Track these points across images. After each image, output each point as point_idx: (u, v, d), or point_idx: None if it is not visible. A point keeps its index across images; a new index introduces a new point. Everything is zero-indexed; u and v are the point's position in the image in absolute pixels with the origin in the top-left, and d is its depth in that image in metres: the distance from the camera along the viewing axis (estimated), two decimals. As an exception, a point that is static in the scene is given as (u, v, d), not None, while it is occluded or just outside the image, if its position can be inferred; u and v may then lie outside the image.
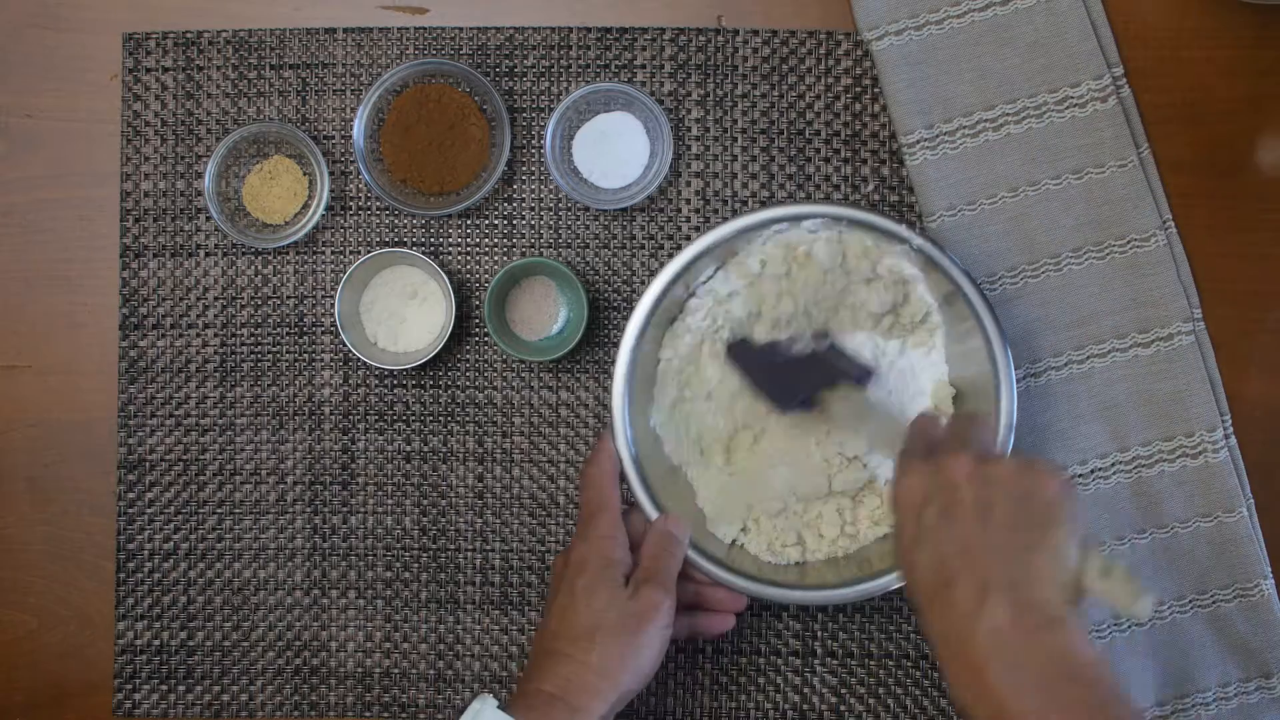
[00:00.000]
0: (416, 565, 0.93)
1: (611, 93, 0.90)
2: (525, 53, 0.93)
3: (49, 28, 0.94)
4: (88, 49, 0.94)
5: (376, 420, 0.93)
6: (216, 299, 0.94)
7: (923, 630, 0.70)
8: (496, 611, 0.93)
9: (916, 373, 0.87)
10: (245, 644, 0.93)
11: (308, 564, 0.93)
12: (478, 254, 0.93)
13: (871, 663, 0.91)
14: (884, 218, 0.83)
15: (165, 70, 0.94)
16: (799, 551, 0.87)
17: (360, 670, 0.93)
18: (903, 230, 0.83)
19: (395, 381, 0.93)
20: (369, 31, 0.93)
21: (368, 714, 0.93)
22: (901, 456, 0.74)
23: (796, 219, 0.84)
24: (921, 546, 0.68)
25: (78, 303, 0.94)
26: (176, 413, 0.93)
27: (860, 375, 0.83)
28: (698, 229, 0.92)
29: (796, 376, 0.84)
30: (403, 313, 0.91)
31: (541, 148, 0.92)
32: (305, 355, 0.93)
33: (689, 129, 0.92)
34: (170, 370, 0.94)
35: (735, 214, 0.89)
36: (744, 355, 0.86)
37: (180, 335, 0.94)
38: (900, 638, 0.91)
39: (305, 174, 0.92)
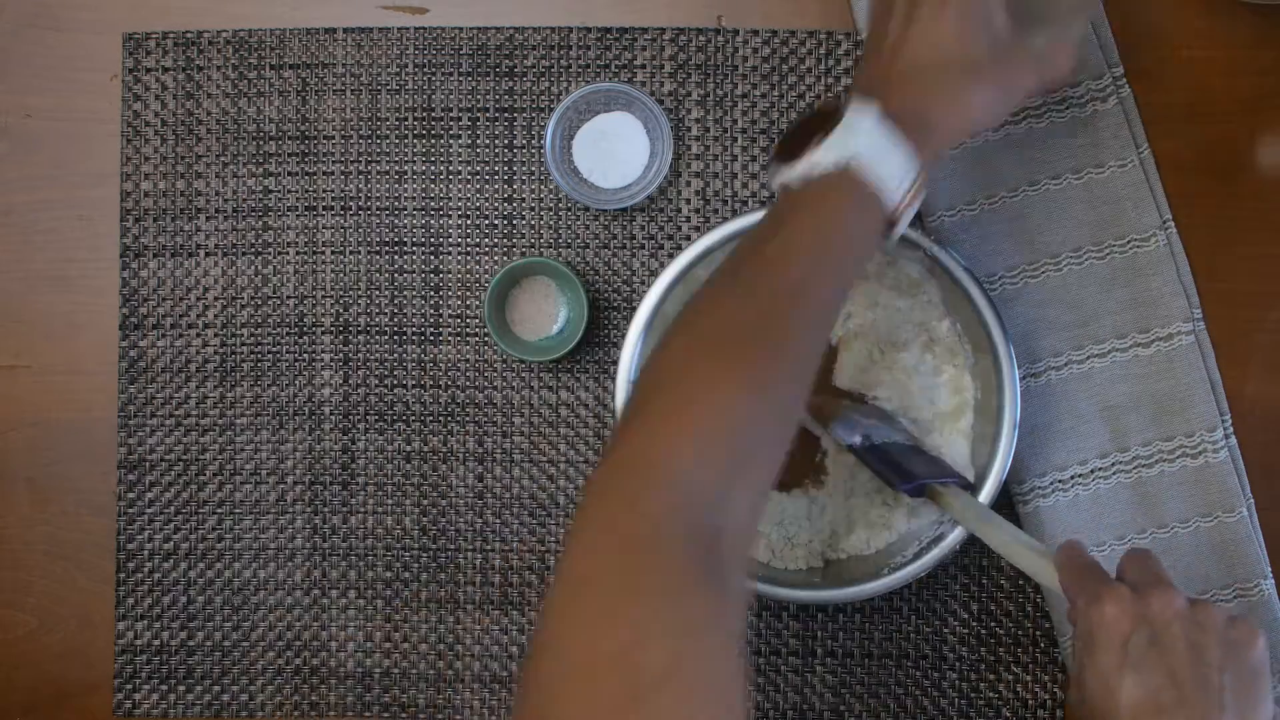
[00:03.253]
0: (416, 565, 0.93)
1: (611, 93, 0.90)
2: (525, 53, 0.93)
3: (49, 28, 0.94)
4: (88, 49, 0.94)
5: (376, 420, 0.93)
6: (216, 299, 0.94)
7: None
8: (496, 611, 0.93)
9: (931, 384, 0.88)
10: (245, 644, 0.93)
11: (308, 564, 0.93)
12: (478, 254, 0.93)
13: (871, 663, 0.91)
14: None
15: (165, 70, 0.94)
16: (806, 559, 0.87)
17: (360, 670, 0.93)
18: (917, 235, 0.83)
19: (395, 381, 0.93)
20: (369, 31, 0.93)
21: (368, 714, 0.93)
22: (1075, 582, 0.73)
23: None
24: (1127, 674, 0.69)
25: (78, 303, 0.94)
26: (176, 413, 0.93)
27: (966, 484, 0.84)
28: (698, 229, 0.92)
29: (906, 461, 0.84)
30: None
31: (541, 148, 0.92)
32: (305, 355, 0.93)
33: (689, 129, 0.92)
34: (170, 370, 0.94)
35: (735, 214, 0.89)
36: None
37: (180, 335, 0.94)
38: (900, 638, 0.91)
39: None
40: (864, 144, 0.70)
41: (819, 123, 0.72)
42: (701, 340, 0.66)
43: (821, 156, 0.70)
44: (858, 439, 0.84)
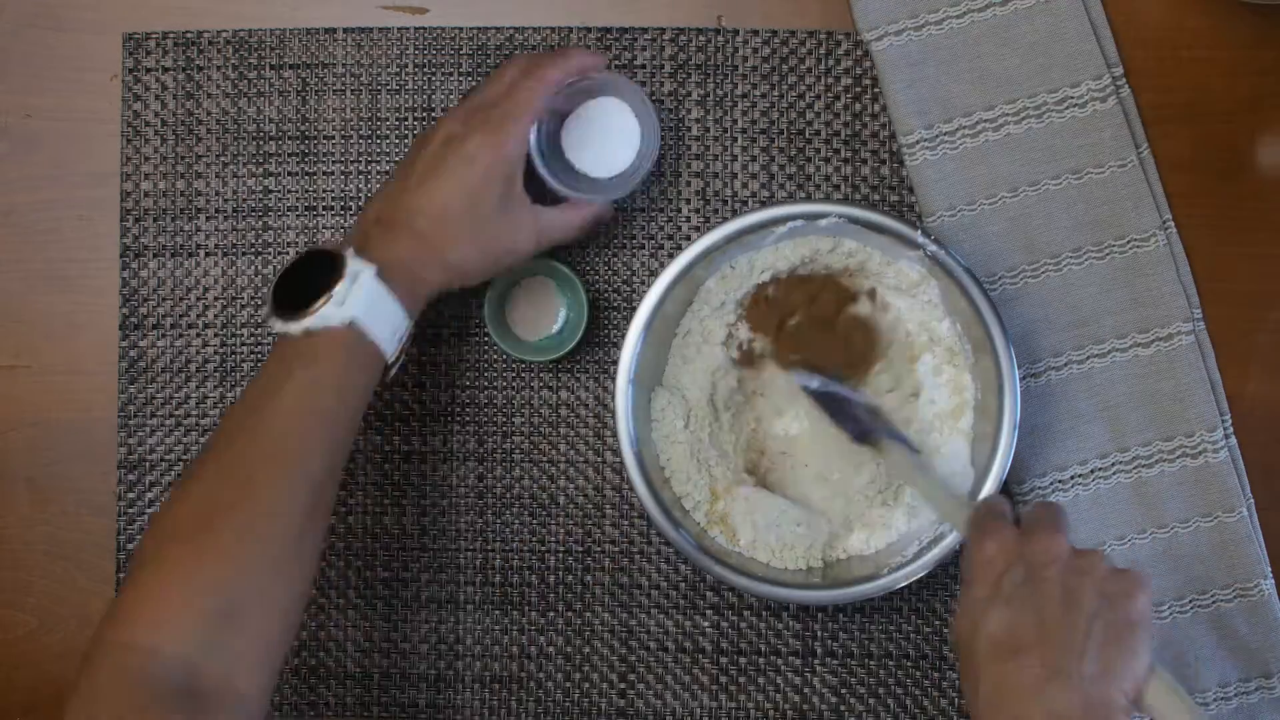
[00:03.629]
0: (416, 565, 0.93)
1: (592, 81, 0.87)
2: (525, 53, 0.93)
3: (49, 28, 0.94)
4: (88, 49, 0.94)
5: (376, 420, 0.93)
6: (216, 299, 0.94)
7: (962, 685, 0.72)
8: (497, 611, 0.93)
9: (932, 384, 0.88)
10: (245, 644, 0.93)
11: (308, 564, 0.93)
12: (478, 254, 0.93)
13: (871, 663, 0.91)
14: (897, 220, 0.84)
15: (165, 70, 0.94)
16: (805, 559, 0.87)
17: (360, 670, 0.93)
18: (917, 236, 0.83)
19: (395, 381, 0.93)
20: (369, 31, 0.93)
21: (368, 714, 0.93)
22: (974, 523, 0.74)
23: (808, 217, 0.85)
24: (994, 608, 0.69)
25: (78, 303, 0.94)
26: (176, 413, 0.93)
27: (911, 445, 0.85)
28: (698, 229, 0.92)
29: (858, 412, 0.86)
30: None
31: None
32: (305, 355, 0.93)
33: (689, 129, 0.92)
34: (170, 370, 0.94)
35: (735, 214, 0.89)
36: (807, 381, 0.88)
37: (180, 335, 0.94)
38: (900, 638, 0.91)
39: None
40: (364, 302, 0.74)
41: (316, 266, 0.75)
42: (176, 526, 0.71)
43: (326, 314, 0.74)
44: (815, 384, 0.86)
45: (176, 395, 0.94)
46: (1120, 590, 0.69)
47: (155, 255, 0.94)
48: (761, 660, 0.92)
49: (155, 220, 0.94)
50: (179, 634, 0.68)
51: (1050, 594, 0.68)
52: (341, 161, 0.93)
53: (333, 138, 0.93)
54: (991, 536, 0.71)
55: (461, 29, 0.93)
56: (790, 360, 0.88)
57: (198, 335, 0.94)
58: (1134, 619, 0.68)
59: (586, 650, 0.92)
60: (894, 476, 0.86)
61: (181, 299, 0.94)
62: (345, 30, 0.93)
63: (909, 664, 0.91)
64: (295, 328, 0.74)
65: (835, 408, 0.86)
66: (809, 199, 0.92)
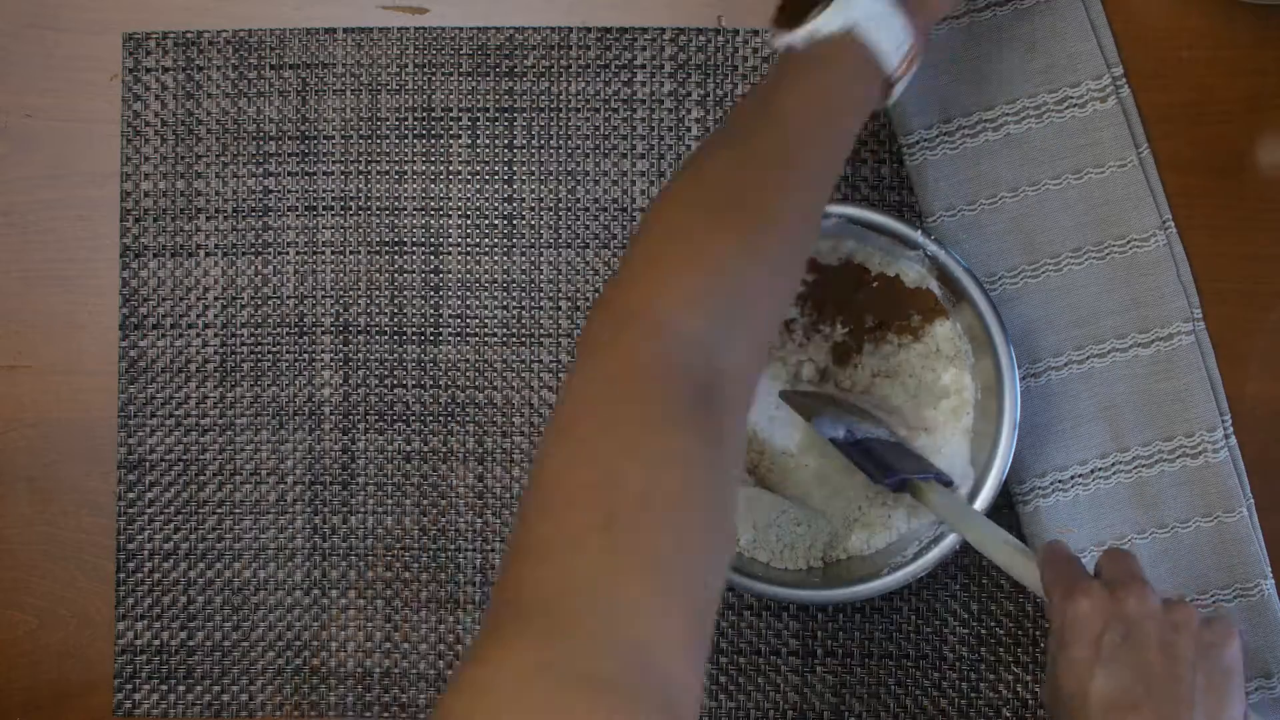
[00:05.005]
0: (416, 565, 0.93)
1: None
2: (525, 53, 0.93)
3: (49, 28, 0.94)
4: (88, 49, 0.94)
5: (376, 420, 0.93)
6: (216, 299, 0.94)
7: None
8: (496, 611, 0.93)
9: (932, 384, 0.88)
10: (245, 644, 0.93)
11: (308, 564, 0.93)
12: (478, 254, 0.93)
13: (871, 663, 0.91)
14: (897, 220, 0.84)
15: (165, 70, 0.94)
16: (805, 559, 0.87)
17: (360, 670, 0.93)
18: (917, 236, 0.83)
19: (395, 381, 0.93)
20: (369, 31, 0.93)
21: (368, 714, 0.93)
22: (1053, 577, 0.74)
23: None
24: (1099, 668, 0.70)
25: (78, 303, 0.94)
26: (176, 413, 0.94)
27: (946, 481, 0.84)
28: (698, 229, 0.92)
29: (889, 455, 0.84)
30: None
31: (541, 147, 0.92)
32: (305, 355, 0.93)
33: (689, 129, 0.92)
34: (170, 370, 0.94)
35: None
36: (813, 411, 0.86)
37: (180, 335, 0.94)
38: (900, 638, 0.91)
39: None
40: (864, 11, 0.72)
41: None
42: (695, 201, 0.66)
43: (825, 22, 0.71)
44: (841, 433, 0.84)
45: (176, 395, 0.94)
46: (1215, 640, 0.70)
47: (155, 255, 0.94)
48: (761, 660, 0.92)
49: (155, 220, 0.94)
50: (702, 315, 0.61)
51: (1151, 650, 0.69)
52: (341, 161, 0.93)
53: (333, 138, 0.93)
54: (1084, 595, 0.71)
55: (461, 29, 0.93)
56: (814, 409, 0.87)
57: (198, 335, 0.94)
58: (1229, 666, 0.70)
59: (586, 650, 0.92)
60: (943, 520, 0.84)
61: (181, 299, 0.94)
62: (345, 30, 0.93)
63: (909, 664, 0.91)
64: (796, 39, 0.72)
65: (863, 456, 0.85)
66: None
